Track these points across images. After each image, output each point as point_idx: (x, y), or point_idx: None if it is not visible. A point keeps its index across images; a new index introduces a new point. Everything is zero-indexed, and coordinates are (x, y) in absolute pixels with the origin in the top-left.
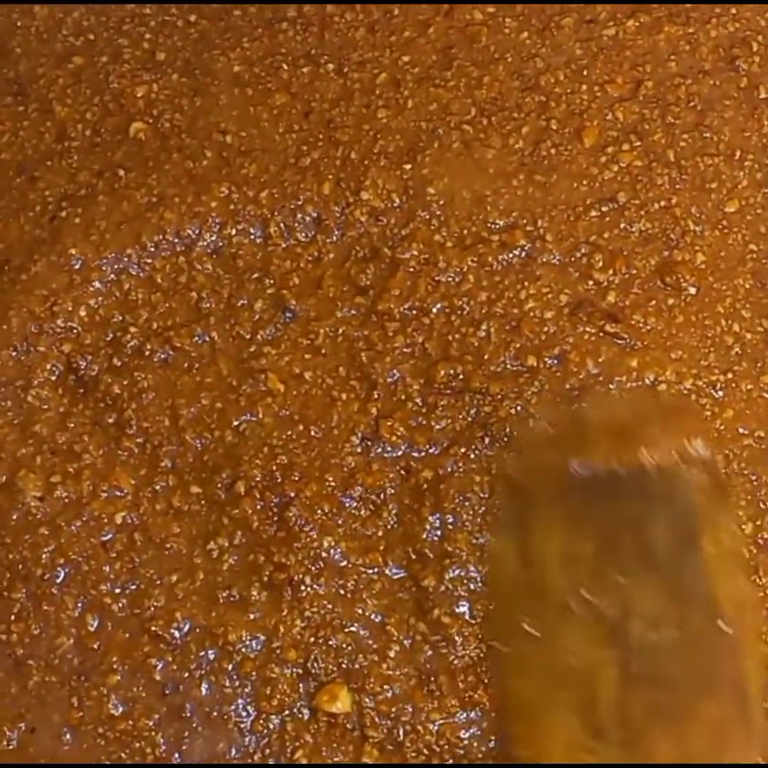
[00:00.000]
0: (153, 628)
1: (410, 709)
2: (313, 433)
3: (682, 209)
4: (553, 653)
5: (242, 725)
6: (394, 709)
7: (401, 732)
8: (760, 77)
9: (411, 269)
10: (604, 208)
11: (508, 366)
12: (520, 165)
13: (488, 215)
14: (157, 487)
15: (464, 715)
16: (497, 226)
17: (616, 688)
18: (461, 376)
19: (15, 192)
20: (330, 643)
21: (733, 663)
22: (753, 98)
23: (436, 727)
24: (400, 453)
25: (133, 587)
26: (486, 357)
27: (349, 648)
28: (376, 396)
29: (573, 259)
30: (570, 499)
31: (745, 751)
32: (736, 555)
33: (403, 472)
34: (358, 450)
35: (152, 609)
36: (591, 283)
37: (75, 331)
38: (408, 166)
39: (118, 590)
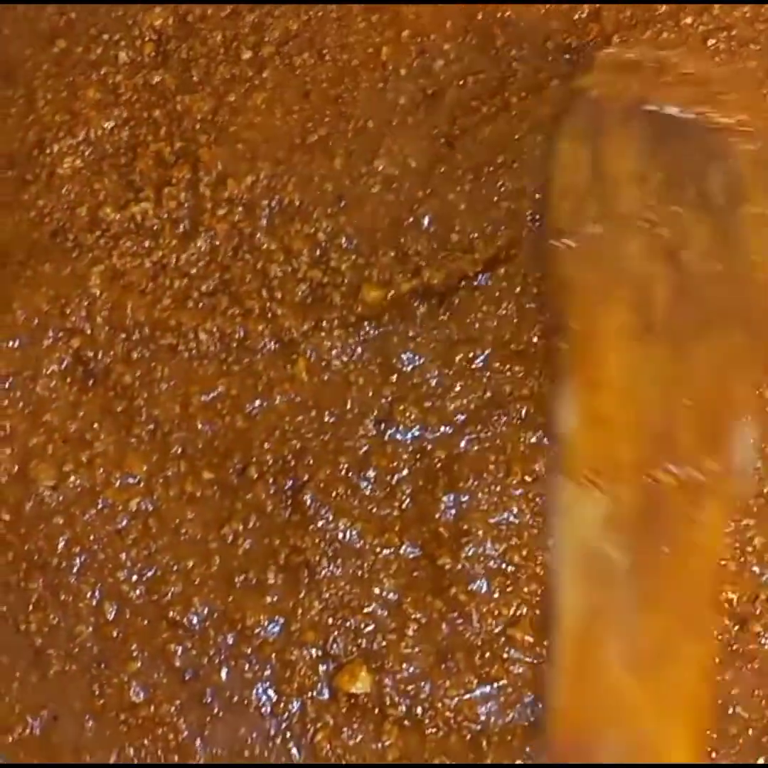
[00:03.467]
0: (171, 615)
1: (428, 687)
2: (326, 418)
3: None
4: (615, 255)
5: (263, 709)
6: (412, 687)
7: (420, 709)
8: None
9: None
10: None
11: None
12: None
13: None
14: (169, 473)
15: (481, 690)
16: None
17: (668, 297)
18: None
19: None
20: (348, 623)
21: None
22: None
23: (453, 703)
24: (414, 435)
25: (150, 574)
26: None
27: (368, 628)
28: (393, 379)
29: None
30: (643, 127)
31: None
32: None
33: (417, 453)
34: (372, 433)
35: (170, 595)
36: None
37: (85, 328)
38: None
39: (135, 577)
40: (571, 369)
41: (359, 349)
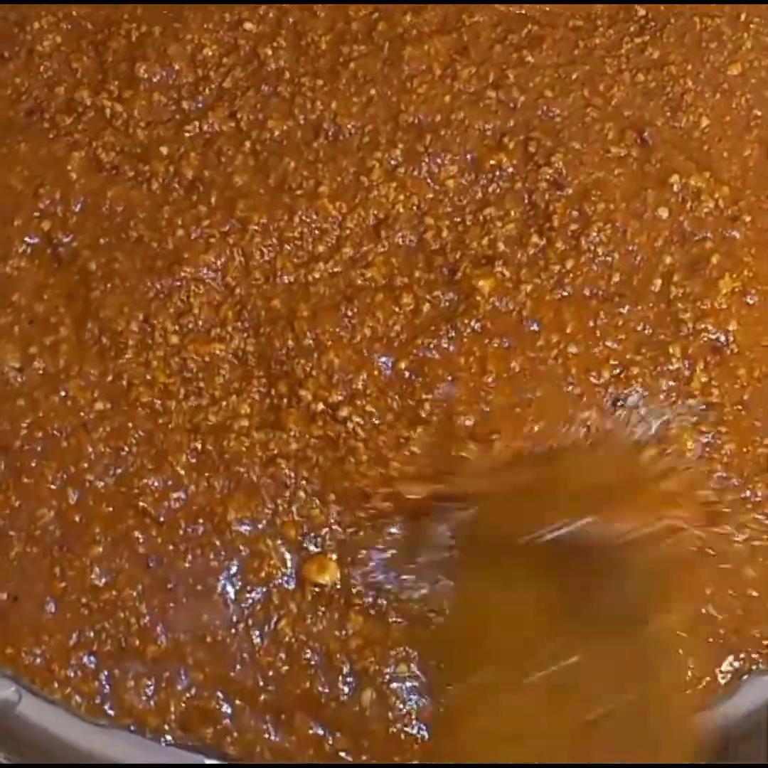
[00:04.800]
0: (141, 504)
1: (395, 579)
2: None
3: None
4: (491, 713)
5: (227, 596)
6: (380, 579)
7: (385, 601)
8: None
9: None
10: None
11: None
12: None
13: None
14: (124, 381)
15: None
16: None
17: (569, 744)
18: None
19: None
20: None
21: (665, 744)
22: None
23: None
24: None
25: (120, 470)
26: None
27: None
28: None
29: None
30: (532, 559)
31: None
32: (688, 634)
33: None
34: None
35: (142, 488)
36: None
37: (57, 211)
38: None
39: (101, 469)
40: None
41: None
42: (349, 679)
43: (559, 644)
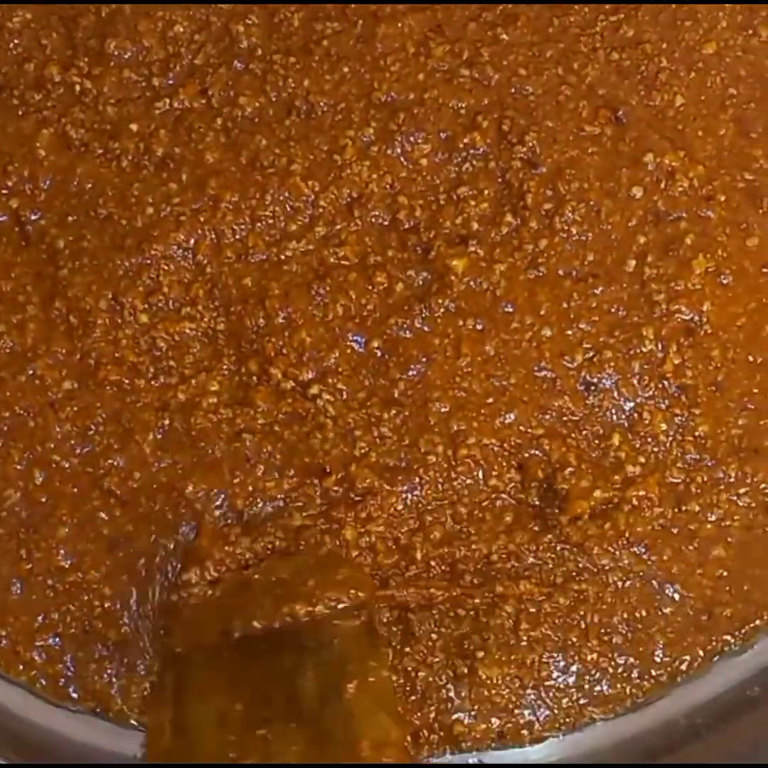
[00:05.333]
0: (106, 485)
1: None
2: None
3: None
4: None
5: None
6: None
7: None
8: None
9: None
10: None
11: None
12: None
13: None
14: (91, 360)
15: None
16: None
17: None
18: None
19: None
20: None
21: None
22: None
23: None
24: None
25: (87, 450)
26: None
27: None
28: None
29: None
30: (226, 661)
31: None
32: (383, 695)
33: None
34: None
35: (107, 468)
36: None
37: (25, 188)
38: None
39: (67, 449)
40: None
41: None
42: None
43: (253, 738)
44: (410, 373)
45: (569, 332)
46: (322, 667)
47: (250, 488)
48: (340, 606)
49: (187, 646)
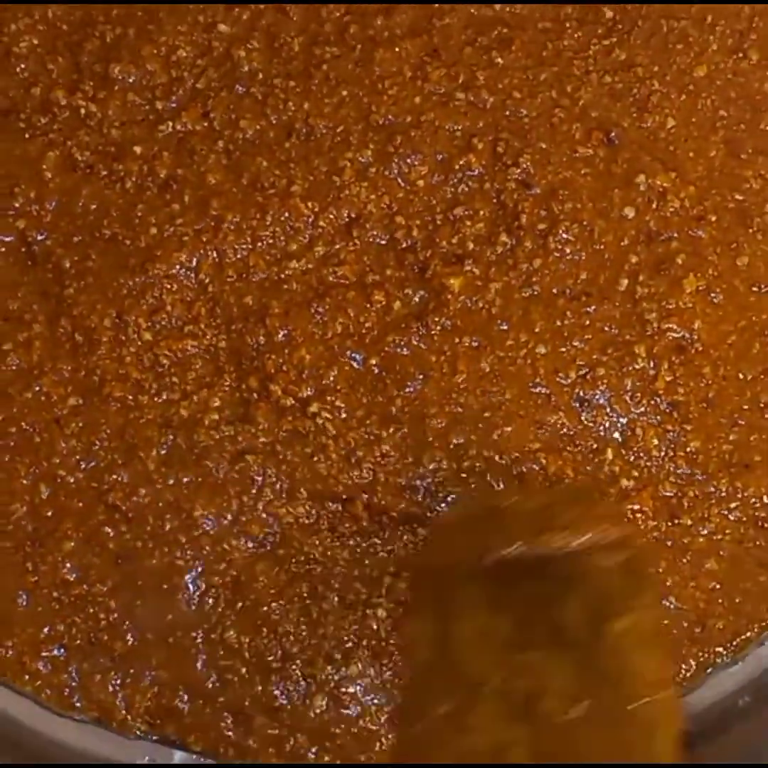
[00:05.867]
0: (110, 500)
1: None
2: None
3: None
4: (463, 734)
5: (190, 597)
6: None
7: None
8: None
9: None
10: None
11: None
12: None
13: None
14: (96, 376)
15: None
16: None
17: (527, 761)
18: None
19: None
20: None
21: (645, 744)
22: None
23: None
24: None
25: (91, 465)
26: None
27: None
28: None
29: None
30: (484, 581)
31: None
32: (653, 635)
33: None
34: None
35: (112, 484)
36: None
37: (32, 210)
38: None
39: (72, 464)
40: None
41: None
42: (301, 684)
43: (520, 661)
44: (407, 389)
45: (563, 350)
46: (585, 600)
47: (263, 514)
48: (601, 540)
49: (443, 563)
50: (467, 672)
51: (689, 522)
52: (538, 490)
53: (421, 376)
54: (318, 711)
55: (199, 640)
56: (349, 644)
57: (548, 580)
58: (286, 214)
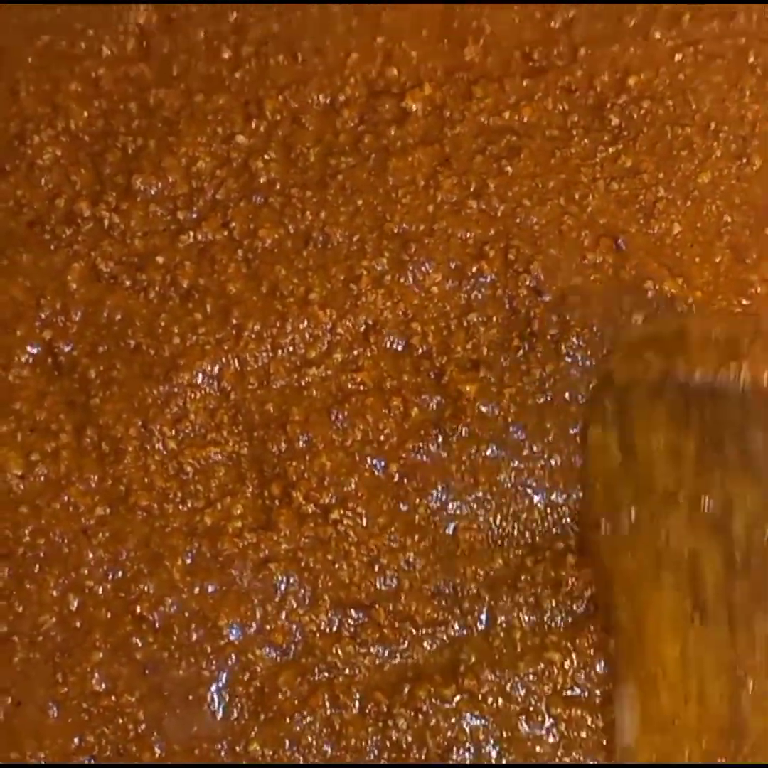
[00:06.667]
0: (137, 610)
1: None
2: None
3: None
4: (656, 537)
5: (215, 709)
6: None
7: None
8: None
9: None
10: None
11: None
12: None
13: None
14: (122, 486)
15: None
16: None
17: (720, 573)
18: None
19: None
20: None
21: None
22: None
23: None
24: None
25: (119, 575)
26: None
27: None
28: None
29: None
30: (672, 399)
31: None
32: None
33: None
34: None
35: (139, 593)
36: None
37: (57, 320)
38: None
39: (100, 575)
40: (625, 670)
41: None
42: None
43: (710, 478)
44: (429, 500)
45: (575, 459)
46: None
47: (285, 623)
48: None
49: (629, 377)
50: (660, 481)
51: None
52: (728, 319)
53: (441, 486)
54: None
55: (223, 753)
56: (370, 757)
57: (733, 407)
58: (305, 322)
